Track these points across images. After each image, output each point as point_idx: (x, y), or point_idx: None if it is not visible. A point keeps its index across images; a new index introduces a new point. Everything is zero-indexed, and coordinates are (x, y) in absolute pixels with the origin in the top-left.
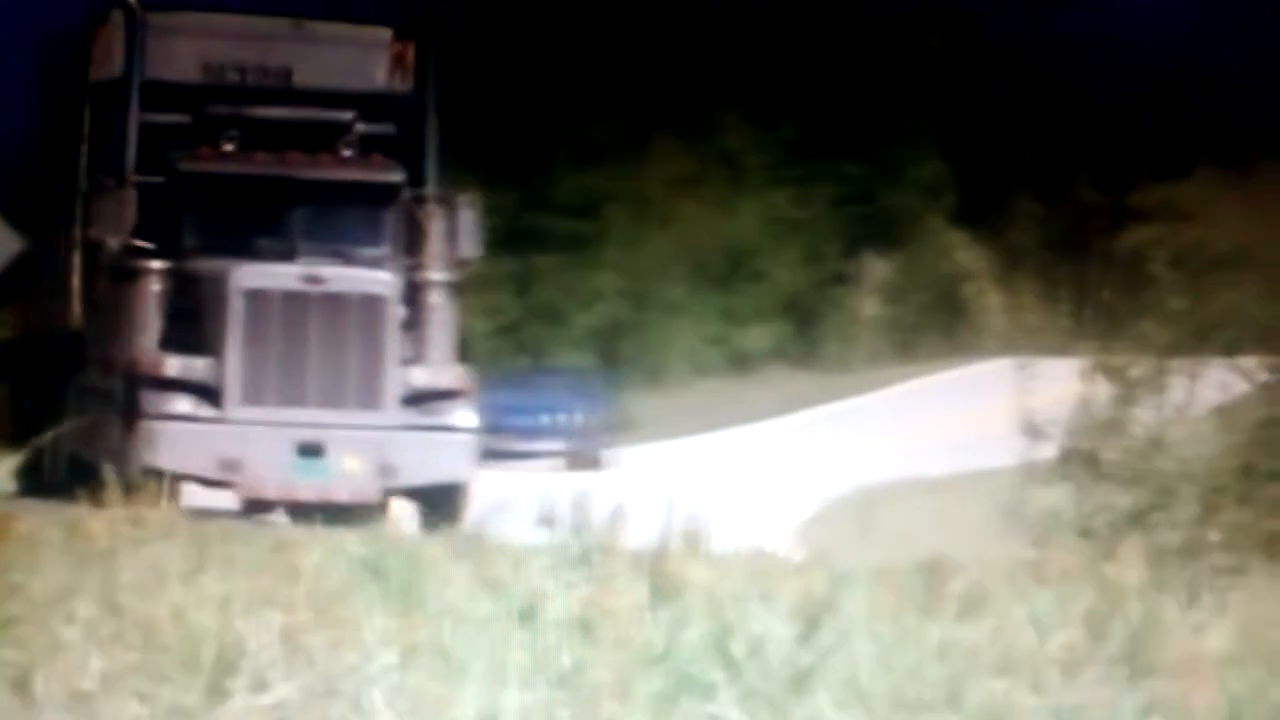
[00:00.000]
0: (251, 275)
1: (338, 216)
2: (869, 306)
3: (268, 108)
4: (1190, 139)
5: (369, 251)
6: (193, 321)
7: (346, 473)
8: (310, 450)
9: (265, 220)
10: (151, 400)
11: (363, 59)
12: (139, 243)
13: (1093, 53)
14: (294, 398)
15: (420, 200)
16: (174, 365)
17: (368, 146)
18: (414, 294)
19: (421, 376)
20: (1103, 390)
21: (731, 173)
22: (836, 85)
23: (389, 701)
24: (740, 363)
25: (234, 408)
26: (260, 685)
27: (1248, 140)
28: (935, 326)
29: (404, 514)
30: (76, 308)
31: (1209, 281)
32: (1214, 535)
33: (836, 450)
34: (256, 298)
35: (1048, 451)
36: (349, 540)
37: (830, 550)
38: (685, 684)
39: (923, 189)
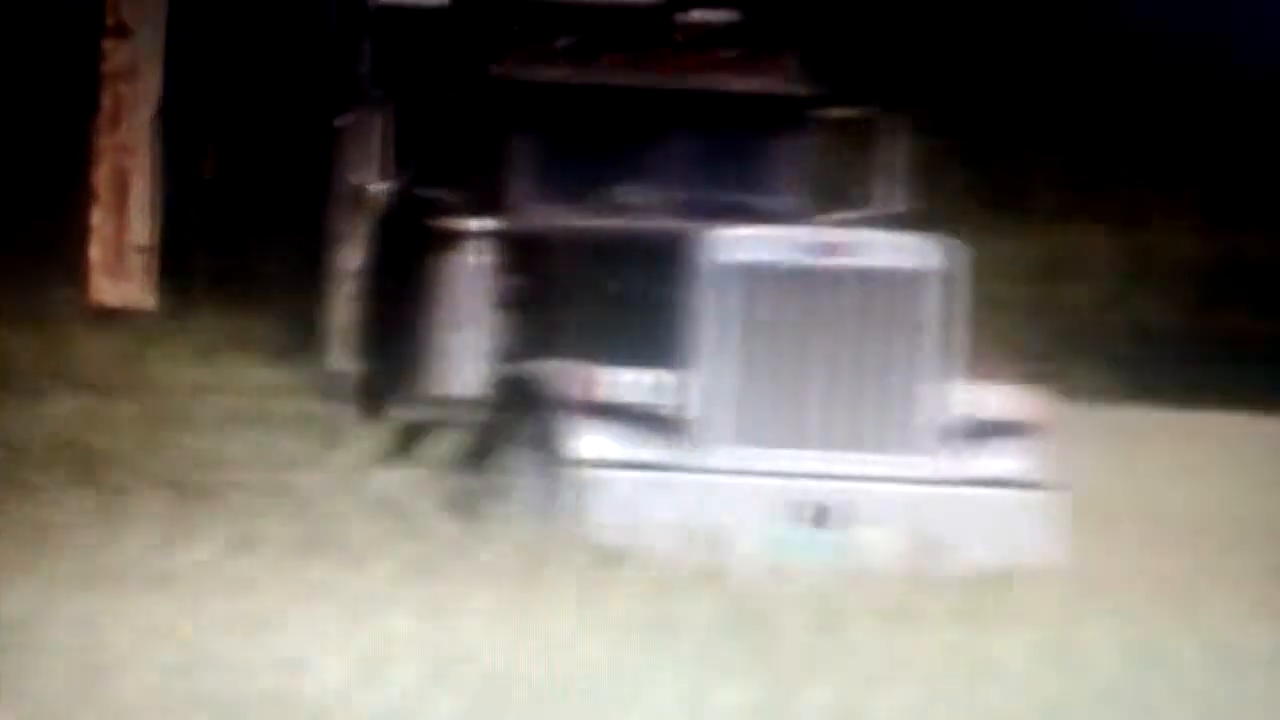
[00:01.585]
0: (737, 244)
1: (726, 148)
2: None
3: None
4: None
5: (767, 201)
6: (541, 311)
7: (865, 548)
8: (814, 514)
9: (627, 155)
10: (573, 436)
11: None
12: (428, 192)
13: None
14: (792, 434)
15: (830, 122)
16: (617, 383)
17: (718, 42)
18: None
19: (975, 401)
20: None
21: None
22: None
23: None
24: None
25: (712, 449)
26: None
27: None
28: None
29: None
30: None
31: None
32: None
33: None
34: (748, 278)
35: None
36: None
37: None
38: None
39: None
